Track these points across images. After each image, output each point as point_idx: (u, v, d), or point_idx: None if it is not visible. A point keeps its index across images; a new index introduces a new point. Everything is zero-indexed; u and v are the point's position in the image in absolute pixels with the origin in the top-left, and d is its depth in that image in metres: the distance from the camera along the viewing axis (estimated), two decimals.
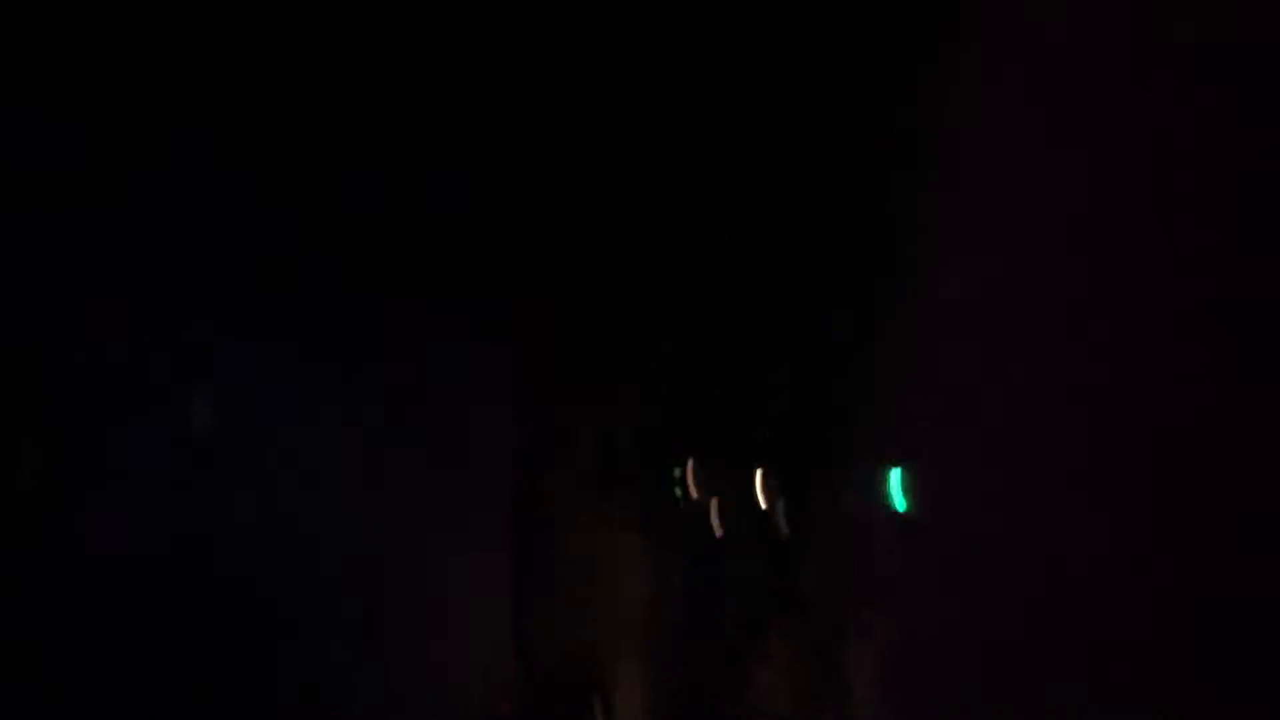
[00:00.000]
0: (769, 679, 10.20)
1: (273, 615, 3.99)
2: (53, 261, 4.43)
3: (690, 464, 7.78)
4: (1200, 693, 2.16)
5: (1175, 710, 2.21)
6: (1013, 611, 3.93)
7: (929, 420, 4.15)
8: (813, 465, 8.81)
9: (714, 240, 5.46)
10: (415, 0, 4.35)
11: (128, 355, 4.27)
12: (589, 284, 6.26)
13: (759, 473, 8.73)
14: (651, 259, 5.61)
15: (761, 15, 4.42)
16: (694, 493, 7.95)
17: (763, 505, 8.71)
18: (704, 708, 7.74)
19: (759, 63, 4.68)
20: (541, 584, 6.73)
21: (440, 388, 5.30)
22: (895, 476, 8.21)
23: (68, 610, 4.20)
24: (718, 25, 4.62)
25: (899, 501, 8.49)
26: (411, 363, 4.99)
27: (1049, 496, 2.91)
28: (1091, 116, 2.63)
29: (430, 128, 4.68)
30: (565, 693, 6.83)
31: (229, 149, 4.19)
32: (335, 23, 4.11)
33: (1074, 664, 2.82)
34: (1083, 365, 2.64)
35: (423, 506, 5.23)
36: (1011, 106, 3.26)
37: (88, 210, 4.37)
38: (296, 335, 4.46)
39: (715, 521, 8.24)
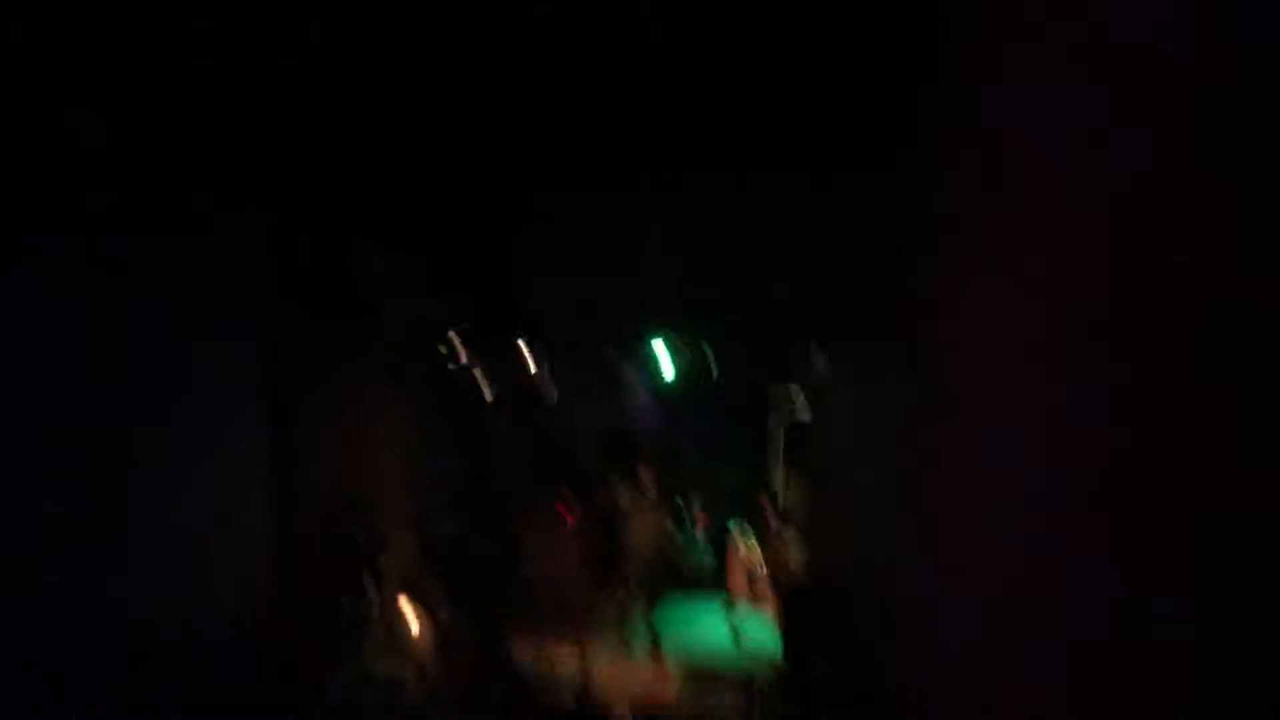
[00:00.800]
0: (540, 540, 10.68)
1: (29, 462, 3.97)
2: None
3: (460, 330, 7.91)
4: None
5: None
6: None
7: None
8: (581, 336, 9.55)
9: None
10: None
11: None
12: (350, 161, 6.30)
13: (526, 341, 9.19)
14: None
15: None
16: (463, 357, 8.09)
17: (532, 370, 9.17)
18: (475, 565, 8.02)
19: None
20: (301, 440, 6.49)
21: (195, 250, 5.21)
22: (659, 347, 9.50)
23: None
24: None
25: (662, 372, 9.81)
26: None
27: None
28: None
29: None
30: (330, 545, 6.65)
31: None
32: None
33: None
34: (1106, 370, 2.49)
35: (177, 366, 5.04)
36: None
37: None
38: None
39: (484, 384, 8.50)
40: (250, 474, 5.70)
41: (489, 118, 5.35)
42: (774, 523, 7.94)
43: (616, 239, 6.85)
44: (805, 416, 8.33)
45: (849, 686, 5.98)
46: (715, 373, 9.05)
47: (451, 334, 7.66)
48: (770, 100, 5.15)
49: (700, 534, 9.96)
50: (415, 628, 6.66)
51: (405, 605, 6.78)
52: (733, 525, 9.76)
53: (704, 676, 6.95)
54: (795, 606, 7.16)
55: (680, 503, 8.42)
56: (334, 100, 5.04)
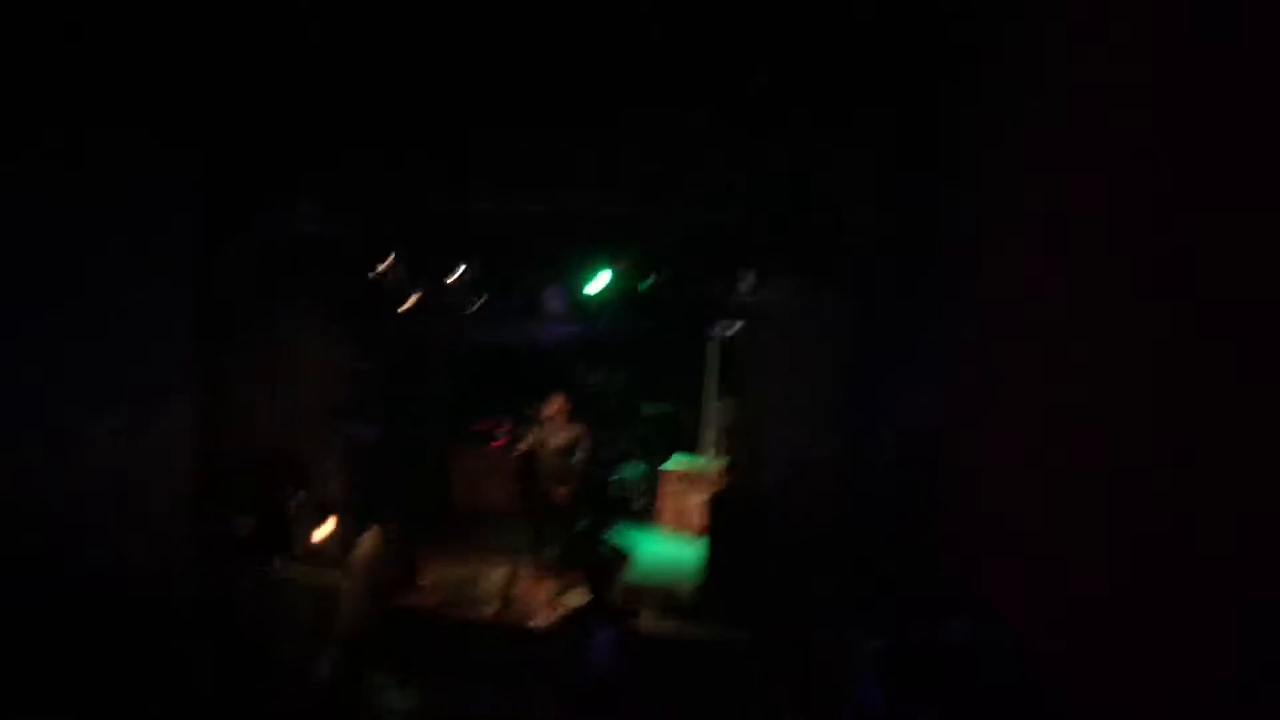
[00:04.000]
0: (468, 483, 10.44)
1: None
2: None
3: (391, 257, 7.70)
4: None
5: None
6: None
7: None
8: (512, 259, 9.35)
9: None
10: None
11: None
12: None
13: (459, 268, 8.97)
14: None
15: None
16: (393, 280, 7.88)
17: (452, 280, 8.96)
18: (396, 481, 7.90)
19: None
20: (226, 377, 6.38)
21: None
22: (589, 281, 9.41)
23: None
24: None
25: (585, 297, 9.71)
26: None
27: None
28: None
29: None
30: (252, 479, 6.58)
31: None
32: None
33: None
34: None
35: (104, 304, 5.01)
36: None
37: None
38: None
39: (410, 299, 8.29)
40: (180, 394, 5.64)
41: (432, 52, 5.23)
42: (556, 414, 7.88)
43: (548, 170, 6.78)
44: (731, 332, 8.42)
45: (766, 599, 6.13)
46: (646, 284, 9.02)
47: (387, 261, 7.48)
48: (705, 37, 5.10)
49: (631, 464, 10.02)
50: (325, 534, 6.60)
51: (328, 521, 6.70)
52: (633, 467, 9.85)
53: (631, 590, 7.07)
54: (716, 525, 7.27)
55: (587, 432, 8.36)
56: (265, 30, 4.85)
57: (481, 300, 9.34)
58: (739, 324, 8.19)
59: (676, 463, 9.70)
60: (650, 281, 9.33)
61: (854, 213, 5.99)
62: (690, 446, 10.46)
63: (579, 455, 7.76)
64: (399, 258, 7.76)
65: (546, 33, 5.15)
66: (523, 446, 7.84)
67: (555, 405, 7.86)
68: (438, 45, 5.25)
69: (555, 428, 7.83)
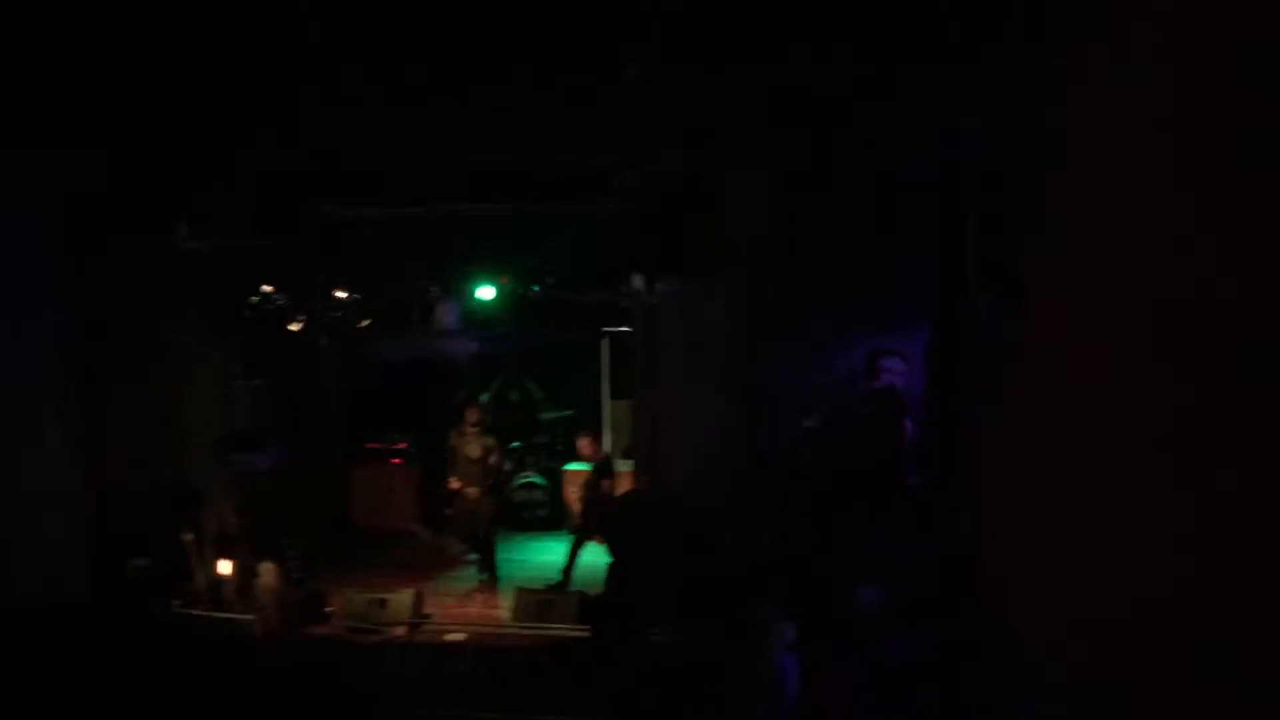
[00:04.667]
0: (368, 502, 10.11)
1: None
2: None
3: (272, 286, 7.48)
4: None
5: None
6: None
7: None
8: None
9: None
10: None
11: None
12: None
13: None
14: None
15: None
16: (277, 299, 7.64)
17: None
18: (299, 532, 7.61)
19: None
20: (112, 403, 6.18)
21: None
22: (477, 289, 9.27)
23: None
24: None
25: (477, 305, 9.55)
26: None
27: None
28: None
29: None
30: (146, 513, 6.36)
31: None
32: None
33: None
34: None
35: None
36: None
37: None
38: None
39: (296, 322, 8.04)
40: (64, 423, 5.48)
41: None
42: (592, 454, 8.17)
43: (427, 174, 6.70)
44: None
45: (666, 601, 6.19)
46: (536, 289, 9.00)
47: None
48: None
49: (532, 472, 9.99)
50: (226, 569, 6.38)
51: (223, 561, 6.47)
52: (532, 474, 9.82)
53: (536, 599, 7.02)
54: (620, 525, 7.30)
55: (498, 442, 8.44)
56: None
57: (368, 318, 9.15)
58: (632, 324, 8.28)
59: (579, 466, 9.67)
60: (540, 287, 9.31)
61: (738, 207, 6.13)
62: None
63: (492, 461, 7.93)
64: (280, 276, 7.56)
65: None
66: (454, 484, 8.03)
67: (473, 416, 8.08)
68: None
69: (470, 437, 8.07)
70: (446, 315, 9.61)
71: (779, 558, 5.03)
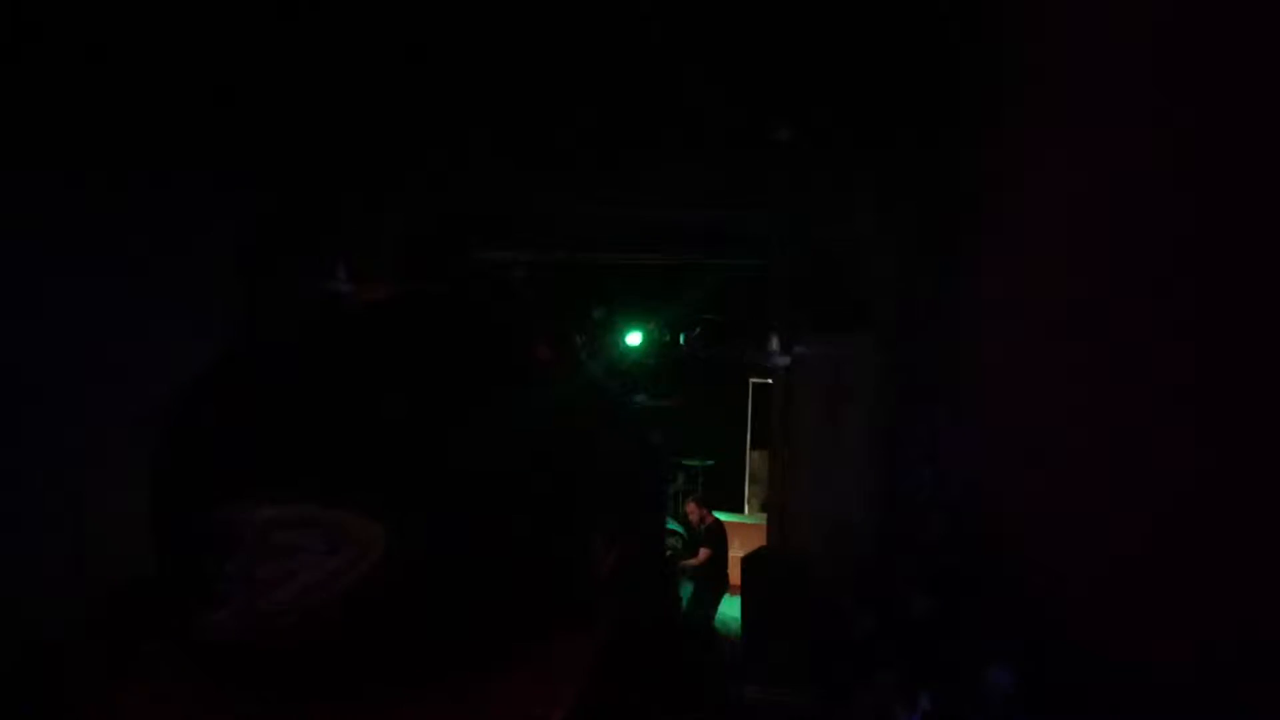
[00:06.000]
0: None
1: None
2: None
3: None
4: None
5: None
6: None
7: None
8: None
9: None
10: None
11: None
12: None
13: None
14: None
15: None
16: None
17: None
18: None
19: None
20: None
21: None
22: (625, 336, 9.40)
23: None
24: None
25: (624, 349, 9.73)
26: None
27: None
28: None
29: None
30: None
31: None
32: None
33: None
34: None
35: None
36: None
37: None
38: None
39: None
40: None
41: None
42: (698, 520, 8.17)
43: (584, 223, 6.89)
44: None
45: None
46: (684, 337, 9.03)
47: None
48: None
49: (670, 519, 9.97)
50: None
51: None
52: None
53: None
54: (751, 583, 7.21)
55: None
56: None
57: None
58: (777, 373, 8.20)
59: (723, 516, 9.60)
60: (685, 338, 9.35)
61: (875, 268, 6.04)
62: (734, 501, 10.36)
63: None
64: None
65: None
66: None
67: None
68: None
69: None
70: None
71: (906, 629, 4.82)
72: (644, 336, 9.32)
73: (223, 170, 5.50)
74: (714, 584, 7.88)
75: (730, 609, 7.70)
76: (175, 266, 5.39)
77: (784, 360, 6.66)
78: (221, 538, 0.48)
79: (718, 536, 8.02)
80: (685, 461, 10.52)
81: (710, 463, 10.51)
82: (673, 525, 10.08)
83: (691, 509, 8.15)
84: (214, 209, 5.65)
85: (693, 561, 7.94)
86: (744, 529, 9.34)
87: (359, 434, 0.48)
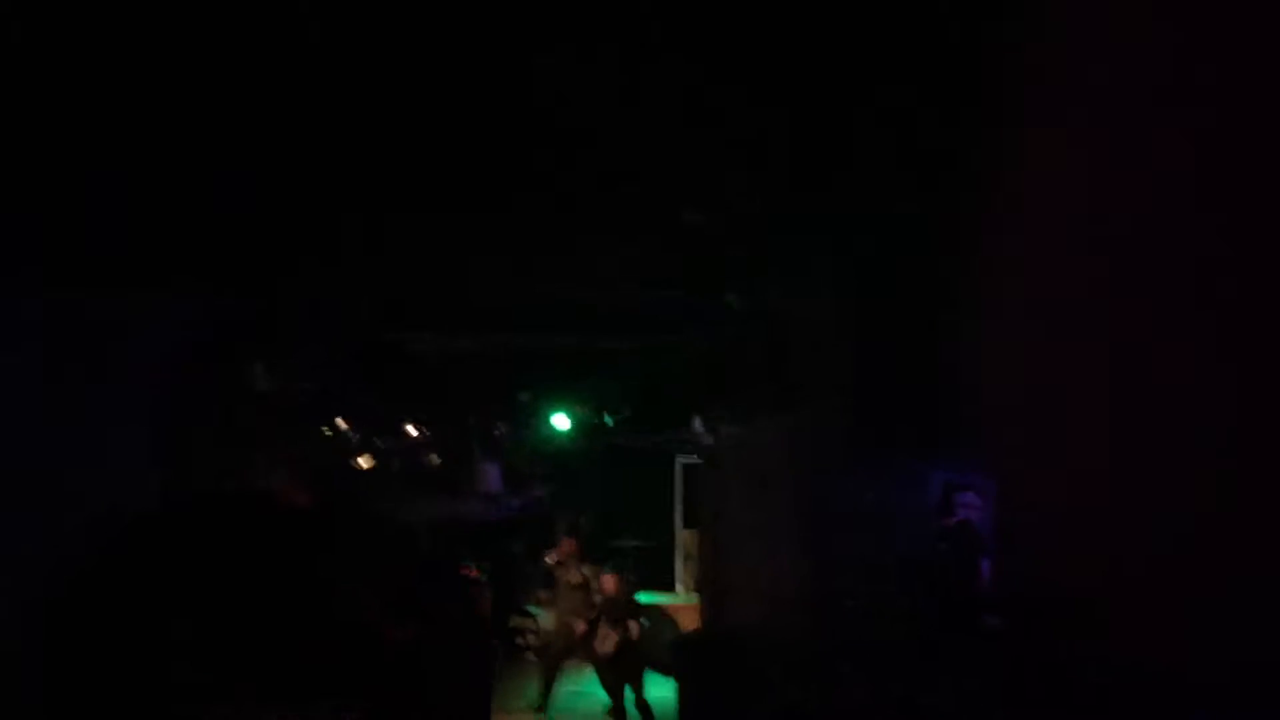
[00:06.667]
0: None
1: None
2: None
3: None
4: None
5: None
6: None
7: None
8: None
9: None
10: None
11: None
12: None
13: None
14: None
15: None
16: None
17: None
18: None
19: None
20: None
21: None
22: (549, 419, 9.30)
23: None
24: None
25: (550, 433, 9.54)
26: None
27: None
28: None
29: None
30: None
31: None
32: None
33: None
34: None
35: None
36: None
37: None
38: None
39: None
40: None
41: None
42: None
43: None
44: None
45: None
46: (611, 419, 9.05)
47: None
48: None
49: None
50: None
51: None
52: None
53: None
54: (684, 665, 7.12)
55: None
56: None
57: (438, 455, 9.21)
58: (705, 454, 8.25)
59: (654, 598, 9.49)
60: (613, 419, 9.38)
61: (801, 344, 6.12)
62: (667, 580, 10.28)
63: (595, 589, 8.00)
64: (351, 411, 7.74)
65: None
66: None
67: (565, 548, 8.20)
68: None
69: (568, 568, 8.15)
70: (488, 477, 9.61)
71: (838, 702, 4.79)
72: (571, 419, 9.33)
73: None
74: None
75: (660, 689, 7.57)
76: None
77: (711, 441, 6.73)
78: None
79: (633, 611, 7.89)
80: (618, 543, 10.44)
81: (653, 543, 10.41)
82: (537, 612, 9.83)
83: (608, 580, 7.96)
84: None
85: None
86: (679, 609, 9.26)
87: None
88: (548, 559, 8.25)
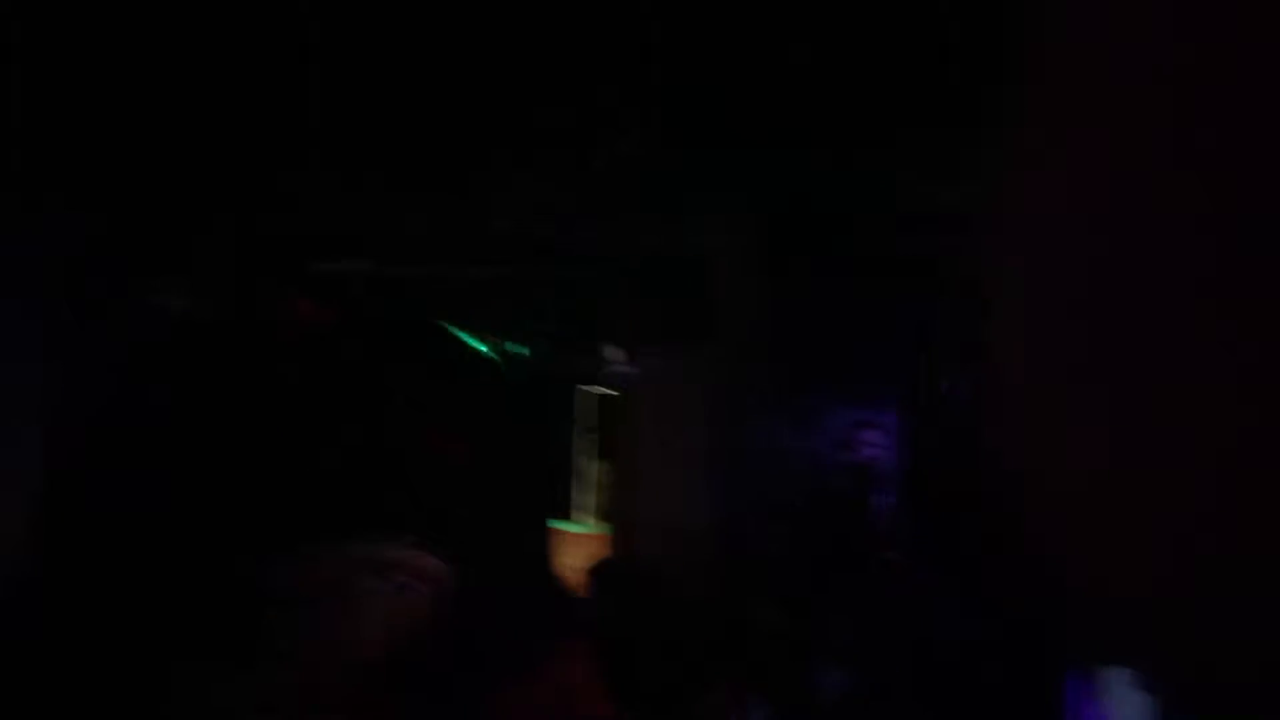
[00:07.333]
0: None
1: None
2: None
3: None
4: None
5: None
6: None
7: None
8: None
9: None
10: None
11: None
12: None
13: None
14: None
15: None
16: None
17: None
18: None
19: None
20: None
21: None
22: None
23: None
24: None
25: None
26: None
27: None
28: None
29: None
30: None
31: None
32: None
33: None
34: None
35: None
36: None
37: None
38: None
39: None
40: None
41: None
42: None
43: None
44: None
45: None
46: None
47: None
48: None
49: None
50: None
51: None
52: None
53: None
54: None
55: None
56: None
57: None
58: (619, 383, 8.28)
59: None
60: (530, 350, 9.32)
61: (719, 285, 6.17)
62: (565, 511, 10.39)
63: None
64: None
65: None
66: None
67: None
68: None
69: None
70: None
71: (744, 640, 4.98)
72: (486, 350, 9.05)
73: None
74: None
75: None
76: None
77: (626, 370, 6.76)
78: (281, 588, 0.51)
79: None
80: None
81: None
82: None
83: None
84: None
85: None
86: (581, 538, 9.39)
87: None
88: None
